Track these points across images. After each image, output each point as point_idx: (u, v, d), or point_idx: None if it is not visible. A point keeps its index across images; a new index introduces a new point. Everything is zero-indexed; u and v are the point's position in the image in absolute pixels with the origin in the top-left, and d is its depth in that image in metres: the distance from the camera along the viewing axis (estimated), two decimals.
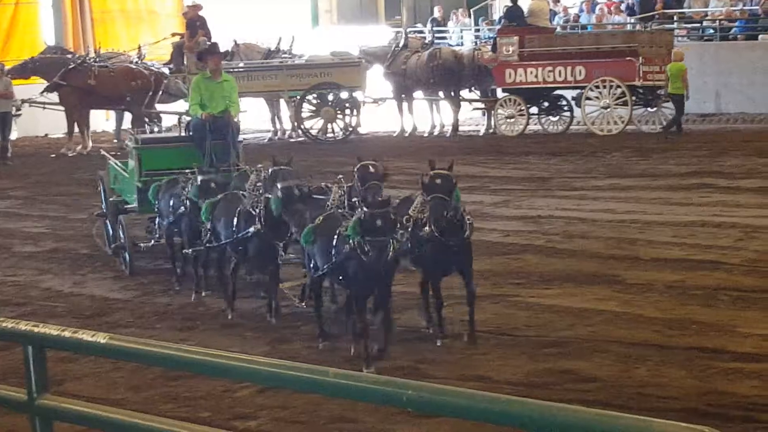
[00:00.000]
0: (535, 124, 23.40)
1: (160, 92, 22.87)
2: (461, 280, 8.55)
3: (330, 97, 22.90)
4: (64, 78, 22.53)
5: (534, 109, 23.07)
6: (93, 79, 22.57)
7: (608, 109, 21.84)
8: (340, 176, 9.33)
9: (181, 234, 10.70)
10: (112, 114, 25.88)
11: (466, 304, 8.44)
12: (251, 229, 9.14)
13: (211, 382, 7.41)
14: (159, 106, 23.53)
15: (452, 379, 7.39)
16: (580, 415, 3.24)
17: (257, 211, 9.16)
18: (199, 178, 10.26)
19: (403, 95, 24.11)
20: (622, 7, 28.27)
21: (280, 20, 29.34)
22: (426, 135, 23.74)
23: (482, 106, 24.44)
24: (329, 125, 22.95)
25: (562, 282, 10.16)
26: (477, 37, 29.54)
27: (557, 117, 23.31)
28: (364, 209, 7.68)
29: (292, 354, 8.10)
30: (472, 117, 25.74)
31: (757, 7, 25.73)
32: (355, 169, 9.23)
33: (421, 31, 29.92)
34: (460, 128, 24.02)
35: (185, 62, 22.35)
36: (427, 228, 8.18)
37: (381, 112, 24.64)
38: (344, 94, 22.90)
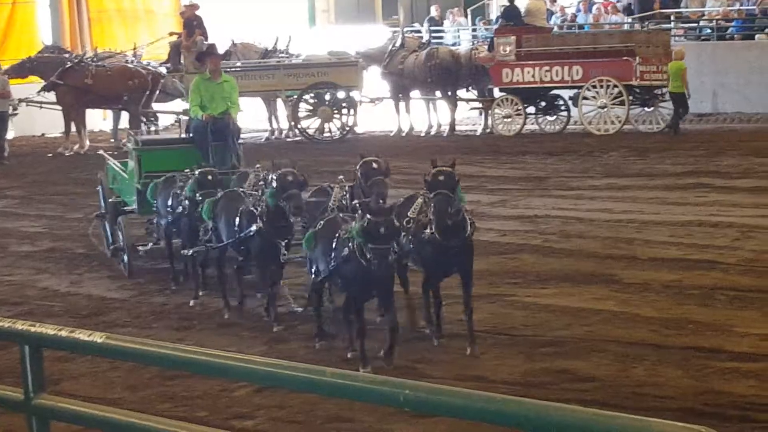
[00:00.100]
0: (532, 124, 23.39)
1: (157, 92, 22.86)
2: (459, 281, 8.53)
3: (327, 97, 22.84)
4: (62, 77, 22.49)
5: (531, 109, 23.04)
6: (90, 79, 22.53)
7: (605, 109, 21.83)
8: (341, 176, 9.30)
9: (179, 234, 10.66)
10: (109, 113, 25.85)
11: (463, 309, 8.35)
12: (253, 228, 9.10)
13: (208, 382, 7.41)
14: (156, 106, 23.53)
15: (449, 379, 7.38)
16: (577, 415, 3.23)
17: (259, 210, 9.12)
18: (197, 171, 10.18)
19: (400, 95, 24.05)
20: (619, 6, 28.28)
21: (277, 20, 29.32)
22: (423, 135, 23.70)
23: (479, 105, 24.45)
24: (326, 125, 22.90)
25: (559, 281, 10.16)
26: (474, 36, 29.53)
27: (554, 117, 23.29)
28: (367, 216, 7.53)
29: (289, 353, 8.08)
30: (469, 116, 25.73)
31: (753, 7, 25.75)
32: (358, 166, 9.19)
33: (418, 31, 29.88)
34: (457, 128, 23.96)
35: (182, 61, 22.32)
36: (428, 230, 8.15)
37: (378, 112, 24.60)
38: (341, 94, 22.83)
